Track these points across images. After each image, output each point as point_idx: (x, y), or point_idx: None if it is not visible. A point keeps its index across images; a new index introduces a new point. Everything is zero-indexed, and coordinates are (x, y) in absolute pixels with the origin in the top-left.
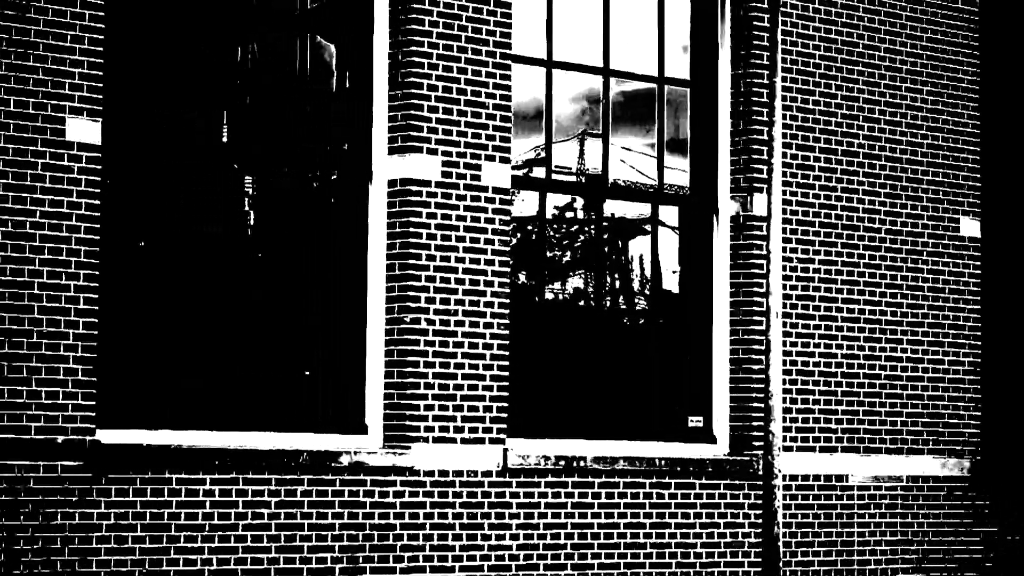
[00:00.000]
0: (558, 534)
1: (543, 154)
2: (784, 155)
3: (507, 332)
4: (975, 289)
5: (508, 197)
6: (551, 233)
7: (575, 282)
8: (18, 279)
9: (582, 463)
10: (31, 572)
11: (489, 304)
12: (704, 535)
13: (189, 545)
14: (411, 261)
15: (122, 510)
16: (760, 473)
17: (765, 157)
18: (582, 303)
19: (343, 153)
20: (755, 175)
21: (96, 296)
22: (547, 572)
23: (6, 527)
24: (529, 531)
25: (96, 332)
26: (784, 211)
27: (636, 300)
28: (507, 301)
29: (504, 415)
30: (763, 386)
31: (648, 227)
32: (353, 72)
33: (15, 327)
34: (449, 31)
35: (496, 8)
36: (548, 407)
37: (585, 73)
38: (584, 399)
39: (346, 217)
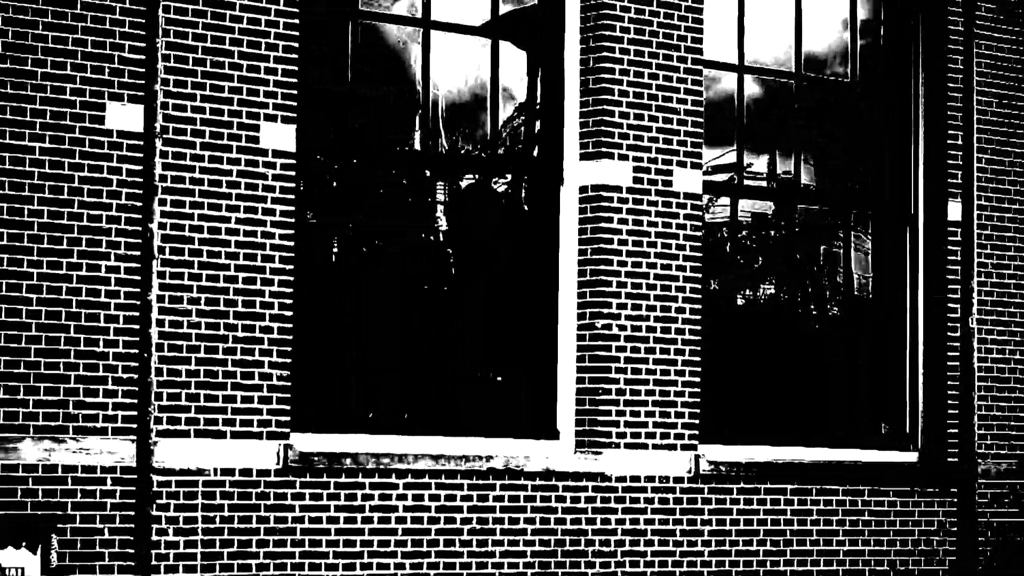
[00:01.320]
0: (750, 540)
1: (734, 159)
2: (979, 160)
3: (698, 338)
4: None
5: (699, 203)
6: (742, 238)
7: (766, 287)
8: (214, 284)
9: (774, 469)
10: (226, 575)
11: (680, 310)
12: (898, 542)
13: (382, 549)
14: (602, 267)
15: (316, 514)
16: (957, 479)
17: (960, 163)
18: (772, 308)
19: (534, 159)
20: (950, 181)
21: (290, 301)
22: None
23: (203, 529)
24: (721, 538)
25: (290, 337)
26: (979, 217)
27: (827, 306)
28: (698, 307)
29: (695, 421)
30: (957, 393)
31: (840, 232)
32: (544, 78)
33: (211, 332)
34: (640, 36)
35: (687, 13)
36: (739, 413)
37: (776, 78)
38: (774, 405)
39: (537, 222)
